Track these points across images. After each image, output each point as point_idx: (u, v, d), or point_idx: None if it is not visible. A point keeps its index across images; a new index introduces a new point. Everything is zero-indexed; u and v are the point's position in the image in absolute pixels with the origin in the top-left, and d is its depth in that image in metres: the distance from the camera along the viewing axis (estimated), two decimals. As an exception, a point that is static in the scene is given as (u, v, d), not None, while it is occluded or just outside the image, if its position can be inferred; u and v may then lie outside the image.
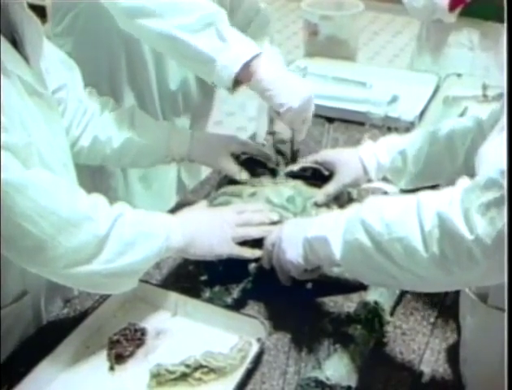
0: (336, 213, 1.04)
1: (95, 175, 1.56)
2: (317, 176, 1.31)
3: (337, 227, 0.95)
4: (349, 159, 1.28)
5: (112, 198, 1.06)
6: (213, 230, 1.12)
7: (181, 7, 1.20)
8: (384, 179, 1.27)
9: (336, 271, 1.17)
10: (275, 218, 1.17)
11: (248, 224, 1.14)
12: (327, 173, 1.30)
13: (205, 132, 1.41)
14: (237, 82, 1.23)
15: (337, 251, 0.95)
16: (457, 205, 0.79)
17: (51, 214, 0.94)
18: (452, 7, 1.99)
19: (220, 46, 1.19)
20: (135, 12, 1.21)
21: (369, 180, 1.27)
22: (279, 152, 1.41)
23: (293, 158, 1.40)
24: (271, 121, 1.47)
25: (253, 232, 1.14)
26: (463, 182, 0.84)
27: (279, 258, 1.07)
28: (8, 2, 1.00)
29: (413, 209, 0.84)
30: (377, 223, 0.87)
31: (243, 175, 1.31)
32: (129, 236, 1.01)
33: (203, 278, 1.20)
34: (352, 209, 0.99)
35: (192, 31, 1.19)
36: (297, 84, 1.28)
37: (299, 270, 1.06)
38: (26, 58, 1.03)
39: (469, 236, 0.76)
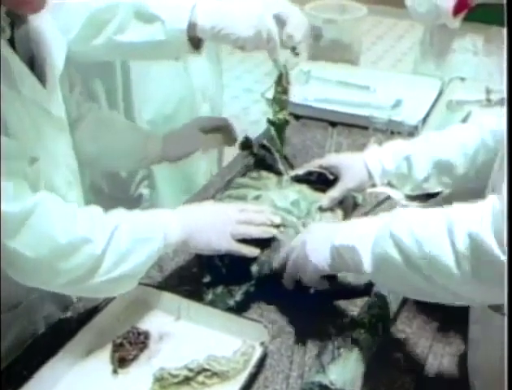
0: (364, 221, 1.02)
1: (126, 186, 1.59)
2: (322, 180, 1.31)
3: (366, 237, 0.94)
4: (354, 164, 1.27)
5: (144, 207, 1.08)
6: (213, 224, 1.12)
7: (104, 16, 1.20)
8: (389, 184, 1.27)
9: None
10: (277, 220, 1.17)
11: (249, 223, 1.14)
12: (331, 177, 1.30)
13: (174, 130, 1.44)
14: (198, 40, 1.22)
15: (366, 262, 0.94)
16: (488, 225, 0.77)
17: (49, 240, 0.95)
18: (456, 12, 1.99)
19: (155, 27, 1.19)
20: (82, 41, 1.22)
21: (373, 185, 1.27)
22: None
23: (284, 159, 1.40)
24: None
25: (253, 231, 1.14)
26: (492, 199, 0.82)
27: (299, 261, 1.06)
28: (34, 23, 1.02)
29: (443, 226, 0.83)
30: (407, 238, 0.86)
31: (213, 141, 1.35)
32: (126, 245, 1.02)
33: (206, 280, 1.19)
34: (381, 218, 0.97)
35: (124, 30, 1.20)
36: (243, 12, 1.21)
37: (319, 275, 1.05)
38: (43, 79, 1.04)
39: (501, 257, 0.75)
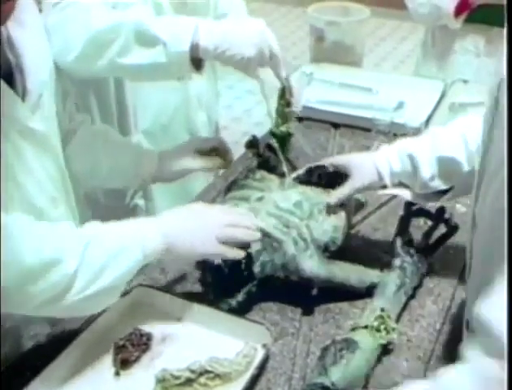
0: None
1: (121, 196, 1.59)
2: (323, 180, 1.31)
3: None
4: (364, 163, 1.25)
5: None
6: (197, 228, 1.09)
7: (105, 37, 1.19)
8: (401, 184, 1.24)
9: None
10: (261, 224, 1.16)
11: (235, 226, 1.12)
12: (331, 170, 1.28)
13: (170, 149, 1.41)
14: (199, 60, 1.22)
15: None
16: None
17: (16, 263, 0.91)
18: (457, 13, 1.99)
19: (157, 50, 1.18)
20: (84, 62, 1.21)
21: (384, 186, 1.24)
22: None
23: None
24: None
25: (239, 234, 1.11)
26: None
27: None
28: (13, 34, 1.00)
29: None
30: None
31: (209, 163, 1.32)
32: (100, 260, 0.98)
33: (208, 280, 1.19)
34: None
35: (127, 53, 1.19)
36: (244, 32, 1.21)
37: None
38: (24, 93, 1.02)
39: None
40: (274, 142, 1.38)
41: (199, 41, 1.17)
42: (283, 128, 1.37)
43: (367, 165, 1.24)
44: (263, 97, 1.32)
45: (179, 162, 1.32)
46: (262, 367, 1.05)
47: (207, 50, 1.18)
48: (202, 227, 1.10)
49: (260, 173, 1.35)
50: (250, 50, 1.19)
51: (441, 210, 1.29)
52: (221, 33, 1.19)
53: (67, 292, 0.96)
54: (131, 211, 1.61)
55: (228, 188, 1.36)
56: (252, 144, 1.42)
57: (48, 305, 0.96)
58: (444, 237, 1.29)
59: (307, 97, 1.88)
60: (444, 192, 1.21)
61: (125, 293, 1.17)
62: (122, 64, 1.20)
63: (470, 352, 0.77)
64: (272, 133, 1.39)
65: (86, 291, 0.97)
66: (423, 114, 1.79)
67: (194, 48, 1.17)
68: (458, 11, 1.99)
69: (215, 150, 1.36)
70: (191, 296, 1.18)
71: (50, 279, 0.94)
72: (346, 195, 1.24)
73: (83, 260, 0.96)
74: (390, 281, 1.17)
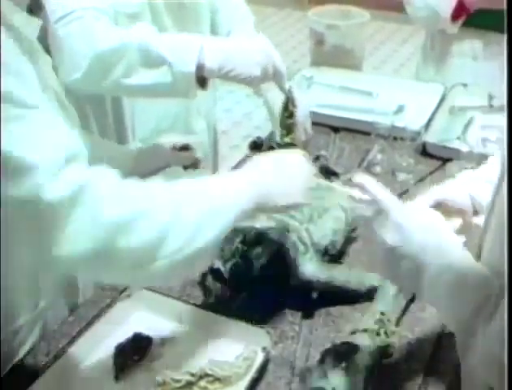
0: None
1: None
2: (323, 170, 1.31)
3: None
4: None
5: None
6: (287, 179, 1.01)
7: (109, 59, 1.20)
8: None
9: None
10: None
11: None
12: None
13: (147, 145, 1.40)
14: (203, 79, 1.23)
15: None
16: None
17: (104, 223, 0.83)
18: (455, 18, 1.99)
19: (162, 70, 1.19)
20: (89, 82, 1.23)
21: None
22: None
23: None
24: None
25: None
26: None
27: None
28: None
29: None
30: None
31: (184, 159, 1.34)
32: (193, 220, 0.89)
33: (208, 284, 1.20)
34: None
35: (132, 74, 1.20)
36: (249, 52, 1.23)
37: None
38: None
39: None
40: (276, 145, 1.38)
41: (204, 61, 1.18)
42: (287, 139, 1.38)
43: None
44: (269, 114, 1.32)
45: (155, 157, 1.33)
46: (261, 370, 1.05)
47: (212, 70, 1.19)
48: (292, 176, 1.02)
49: None
50: (255, 70, 1.20)
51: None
52: (225, 53, 1.20)
53: (157, 251, 0.86)
54: None
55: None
56: (256, 145, 1.42)
57: (137, 268, 0.87)
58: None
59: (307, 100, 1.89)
60: None
61: (125, 297, 1.18)
62: (127, 84, 1.21)
63: None
64: (277, 143, 1.39)
65: (178, 253, 0.88)
66: (423, 117, 1.80)
67: (199, 68, 1.19)
68: (455, 16, 1.99)
69: (187, 148, 1.37)
70: (191, 300, 1.18)
71: (140, 233, 0.85)
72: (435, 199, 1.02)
73: (175, 217, 0.88)
74: (390, 285, 1.17)
